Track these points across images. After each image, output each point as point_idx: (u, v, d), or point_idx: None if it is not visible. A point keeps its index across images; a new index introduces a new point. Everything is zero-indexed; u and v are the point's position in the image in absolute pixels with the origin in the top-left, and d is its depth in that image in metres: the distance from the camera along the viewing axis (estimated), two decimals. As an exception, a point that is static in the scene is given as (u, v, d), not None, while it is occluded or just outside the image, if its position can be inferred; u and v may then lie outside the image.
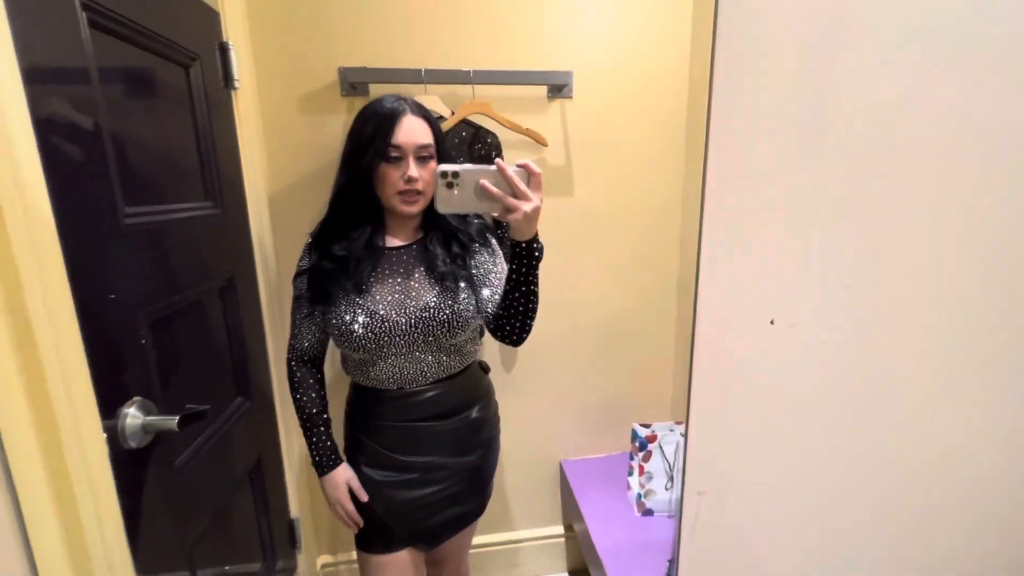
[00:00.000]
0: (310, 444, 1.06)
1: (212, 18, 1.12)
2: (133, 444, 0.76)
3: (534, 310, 0.95)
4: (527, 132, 1.43)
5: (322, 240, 1.01)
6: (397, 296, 0.98)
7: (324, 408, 1.09)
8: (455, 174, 0.82)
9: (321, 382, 1.11)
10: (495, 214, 0.84)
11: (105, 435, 0.70)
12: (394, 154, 0.93)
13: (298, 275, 1.04)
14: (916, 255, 0.66)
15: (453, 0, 1.38)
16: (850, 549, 0.78)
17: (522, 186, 0.81)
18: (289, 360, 1.10)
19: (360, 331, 0.96)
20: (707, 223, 0.57)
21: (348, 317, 0.96)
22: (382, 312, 0.97)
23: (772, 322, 0.62)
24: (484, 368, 1.17)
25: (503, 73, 1.37)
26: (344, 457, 1.09)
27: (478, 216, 1.10)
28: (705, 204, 0.57)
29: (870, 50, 0.60)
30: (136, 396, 0.78)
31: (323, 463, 1.05)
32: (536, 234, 0.87)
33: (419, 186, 0.95)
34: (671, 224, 1.64)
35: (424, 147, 0.94)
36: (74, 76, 0.71)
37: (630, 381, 1.74)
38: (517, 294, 0.92)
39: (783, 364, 0.65)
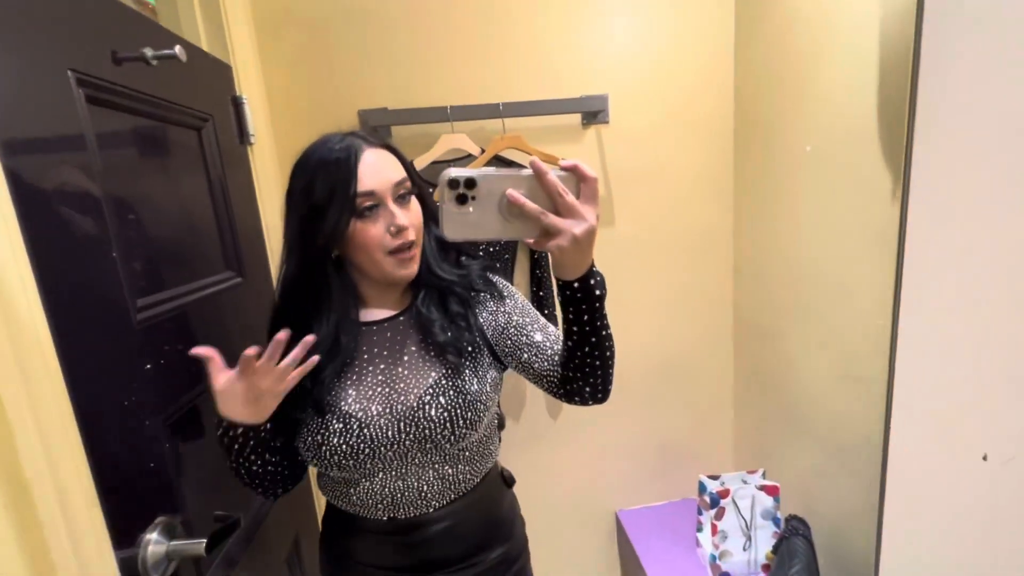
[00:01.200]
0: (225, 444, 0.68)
1: (224, 73, 1.04)
2: (156, 576, 0.65)
3: (612, 355, 0.70)
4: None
5: None
6: (380, 390, 0.72)
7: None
8: (470, 182, 0.55)
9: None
10: (529, 240, 0.58)
11: (122, 576, 0.60)
12: (367, 203, 0.67)
13: None
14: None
15: (477, 33, 1.29)
16: None
17: (570, 198, 0.54)
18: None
19: (333, 443, 0.69)
20: (904, 346, 0.45)
21: (311, 422, 0.70)
22: (360, 415, 0.70)
23: (985, 458, 0.49)
24: (507, 480, 0.87)
25: (534, 104, 1.27)
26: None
27: (476, 251, 0.82)
28: (900, 324, 0.45)
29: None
30: (158, 516, 0.68)
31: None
32: (592, 265, 0.62)
33: (411, 235, 0.70)
34: (723, 251, 1.51)
35: (400, 183, 0.69)
36: (71, 158, 0.62)
37: (687, 422, 1.59)
38: (587, 348, 0.67)
39: (998, 506, 0.51)
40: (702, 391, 1.58)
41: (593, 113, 1.34)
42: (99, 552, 0.58)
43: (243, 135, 1.08)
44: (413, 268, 0.72)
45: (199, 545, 0.67)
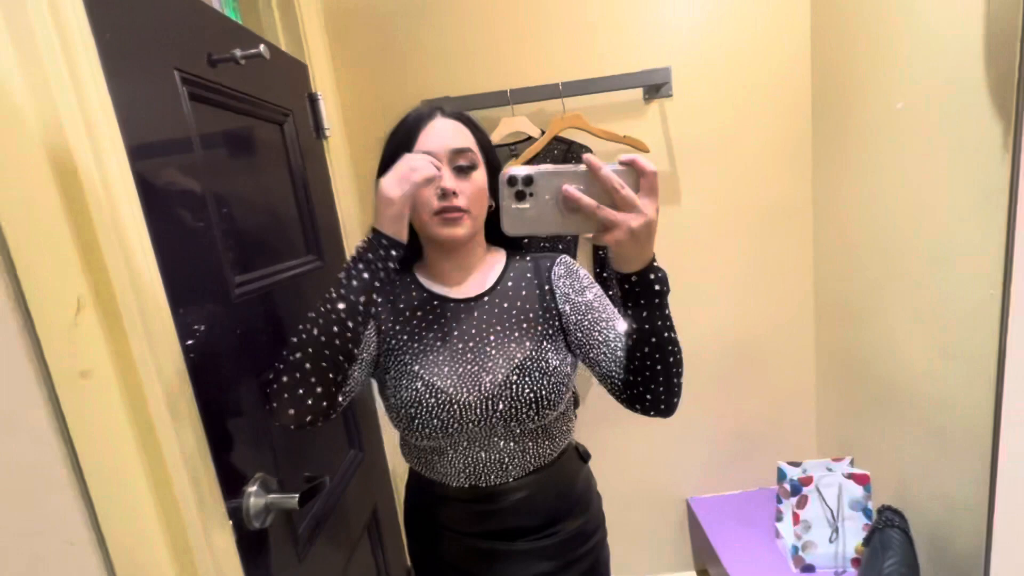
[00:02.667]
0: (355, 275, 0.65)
1: (301, 72, 1.12)
2: (257, 524, 0.72)
3: (678, 363, 0.66)
4: (625, 140, 1.29)
5: None
6: (471, 368, 0.74)
7: None
8: (528, 179, 0.57)
9: None
10: (588, 235, 0.59)
11: (231, 522, 0.67)
12: None
13: None
14: None
15: (533, 14, 1.30)
16: None
17: (627, 191, 0.55)
18: None
19: (425, 416, 0.72)
20: (1017, 316, 0.41)
21: (406, 393, 0.73)
22: (451, 391, 0.73)
23: None
24: (583, 455, 0.89)
25: (594, 81, 1.25)
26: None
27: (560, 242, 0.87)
28: (1012, 290, 0.41)
29: None
30: (257, 473, 0.75)
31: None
32: (652, 260, 0.61)
33: (460, 202, 0.71)
34: (801, 228, 1.42)
35: (461, 152, 0.72)
36: (179, 150, 0.69)
37: (765, 407, 1.52)
38: (647, 349, 0.64)
39: None
40: (781, 374, 1.50)
41: (656, 87, 1.30)
42: (213, 499, 0.65)
43: (319, 130, 1.15)
44: (457, 230, 0.73)
45: (292, 499, 0.73)
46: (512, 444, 0.76)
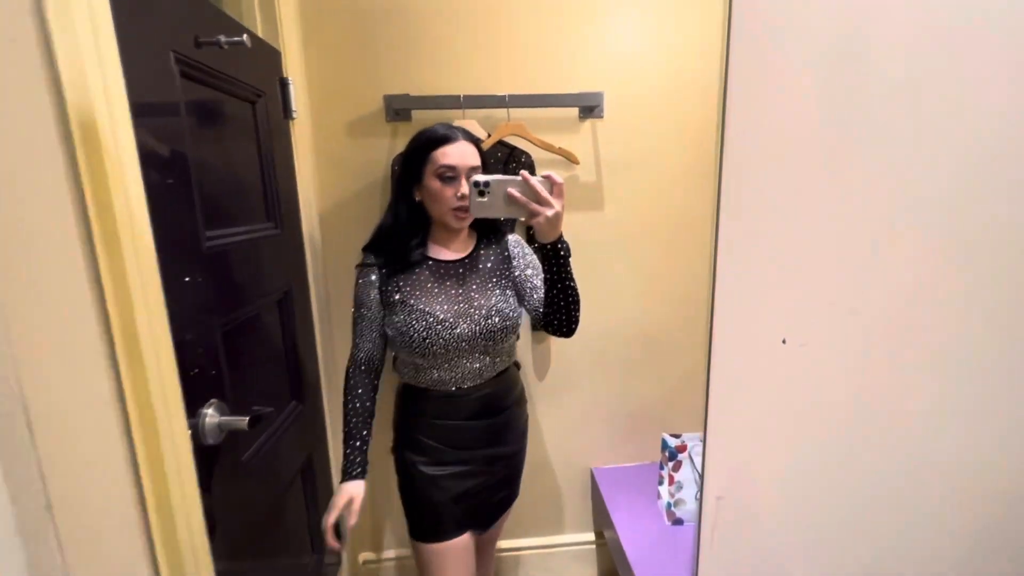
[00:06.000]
0: (345, 451, 1.14)
1: (275, 57, 1.24)
2: (210, 440, 0.86)
3: (576, 303, 1.05)
4: (559, 151, 1.49)
5: (384, 249, 1.14)
6: (463, 307, 1.11)
7: (368, 422, 1.16)
8: (487, 183, 0.94)
9: (373, 392, 1.18)
10: (522, 218, 0.97)
11: (189, 431, 0.80)
12: (448, 173, 1.06)
13: (362, 288, 1.14)
14: (911, 279, 0.69)
15: (489, 30, 1.47)
16: (861, 551, 0.80)
17: (545, 194, 0.92)
18: (348, 368, 1.18)
19: (432, 337, 1.07)
20: (722, 251, 0.63)
21: (419, 324, 1.08)
22: (452, 321, 1.08)
23: (784, 341, 0.66)
24: (516, 364, 1.31)
25: (536, 97, 1.44)
26: (365, 472, 1.14)
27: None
28: (720, 232, 0.62)
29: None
30: (213, 398, 0.88)
31: (347, 472, 1.12)
32: (560, 236, 0.98)
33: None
34: (702, 237, 1.67)
35: (474, 169, 1.08)
36: (169, 117, 0.82)
37: (661, 392, 1.77)
38: (555, 291, 1.03)
39: (794, 380, 0.69)
40: (676, 365, 1.75)
41: (589, 108, 1.51)
42: (177, 411, 0.78)
43: (287, 111, 1.28)
44: (462, 223, 1.11)
45: (243, 421, 0.87)
46: (487, 358, 1.15)
